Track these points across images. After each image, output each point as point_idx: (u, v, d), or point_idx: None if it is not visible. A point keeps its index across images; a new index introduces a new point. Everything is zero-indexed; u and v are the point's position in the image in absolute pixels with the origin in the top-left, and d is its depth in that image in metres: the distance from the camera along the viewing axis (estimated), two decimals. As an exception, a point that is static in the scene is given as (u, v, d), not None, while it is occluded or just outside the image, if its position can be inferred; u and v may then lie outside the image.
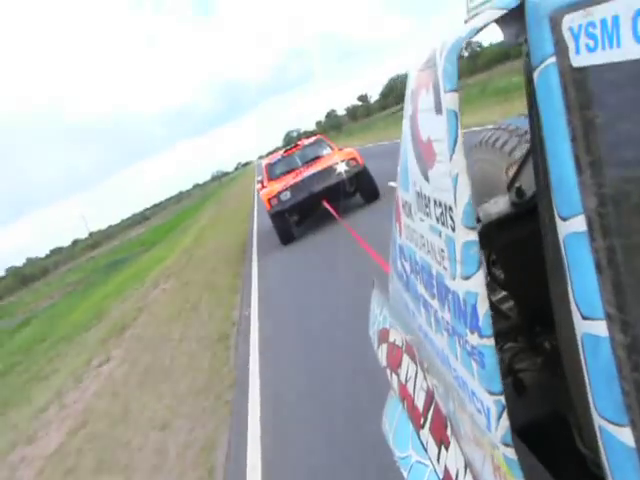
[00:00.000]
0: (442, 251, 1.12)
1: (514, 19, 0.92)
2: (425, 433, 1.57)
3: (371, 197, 11.74)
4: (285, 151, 13.55)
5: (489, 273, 1.77)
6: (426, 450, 1.58)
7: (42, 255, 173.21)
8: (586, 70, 0.78)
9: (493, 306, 2.02)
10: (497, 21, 0.98)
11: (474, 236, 0.98)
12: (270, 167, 13.33)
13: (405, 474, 1.71)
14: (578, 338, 0.79)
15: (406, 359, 1.70)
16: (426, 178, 1.18)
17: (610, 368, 0.74)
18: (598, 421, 0.78)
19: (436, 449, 1.49)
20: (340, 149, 12.94)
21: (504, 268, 1.69)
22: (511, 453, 0.92)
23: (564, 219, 0.82)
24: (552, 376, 1.62)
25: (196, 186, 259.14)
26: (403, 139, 1.41)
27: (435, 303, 1.27)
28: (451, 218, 1.04)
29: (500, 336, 2.03)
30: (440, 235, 1.12)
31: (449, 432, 1.38)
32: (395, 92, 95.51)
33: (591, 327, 0.77)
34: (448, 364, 1.24)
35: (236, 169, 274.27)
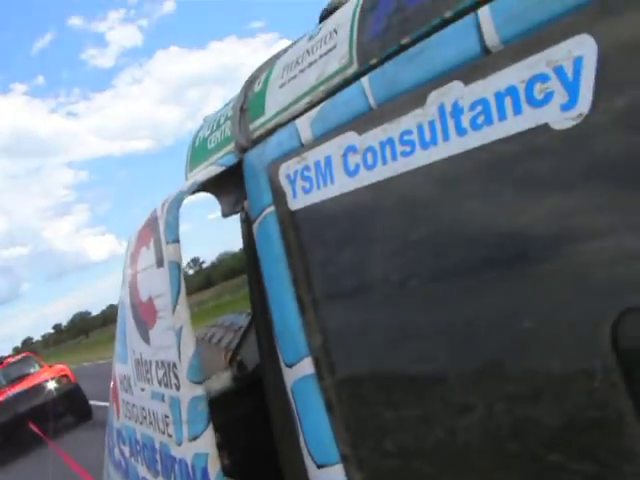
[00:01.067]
0: (166, 417, 1.01)
1: (232, 184, 0.96)
2: None
3: (83, 416, 10.84)
4: (-15, 371, 11.92)
5: None
6: None
7: None
8: (303, 211, 0.82)
9: None
10: (216, 194, 1.02)
11: (201, 391, 0.91)
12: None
13: None
14: None
15: None
16: (147, 340, 1.10)
17: None
18: None
19: None
20: (50, 366, 12.01)
21: (229, 450, 1.61)
22: None
23: (290, 366, 0.80)
24: None
25: None
26: (120, 312, 1.32)
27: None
28: (175, 376, 0.96)
29: None
30: (163, 399, 1.02)
31: None
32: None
33: (328, 474, 0.73)
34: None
35: None
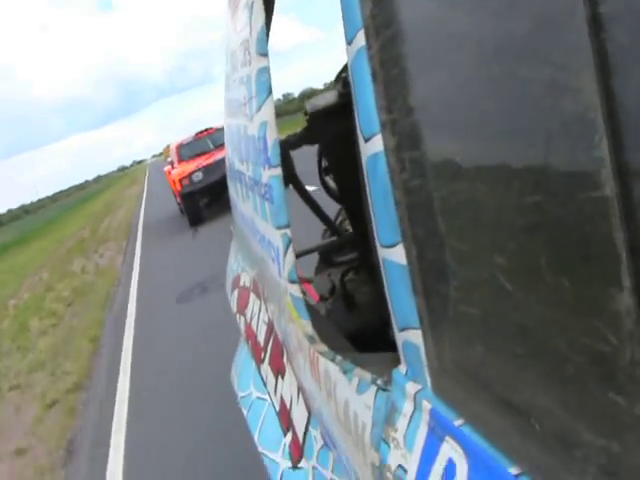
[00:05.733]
0: (244, 98, 1.06)
1: None
2: (265, 367, 1.56)
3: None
4: (196, 134, 13.25)
5: (322, 182, 1.73)
6: (265, 384, 1.58)
7: None
8: None
9: (330, 223, 1.98)
10: None
11: (266, 62, 0.93)
12: (181, 148, 12.99)
13: (245, 412, 1.71)
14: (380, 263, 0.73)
15: (252, 297, 1.68)
16: (234, 27, 1.13)
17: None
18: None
19: (274, 380, 1.49)
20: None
21: (333, 168, 1.64)
22: (296, 290, 0.88)
23: (367, 139, 0.70)
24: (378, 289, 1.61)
25: (98, 177, 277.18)
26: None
27: (244, 166, 1.20)
28: (248, 52, 0.99)
29: (336, 254, 2.02)
30: (244, 81, 1.07)
31: (285, 359, 1.36)
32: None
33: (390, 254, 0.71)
34: (256, 231, 1.18)
35: (131, 166, 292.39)
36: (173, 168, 12.60)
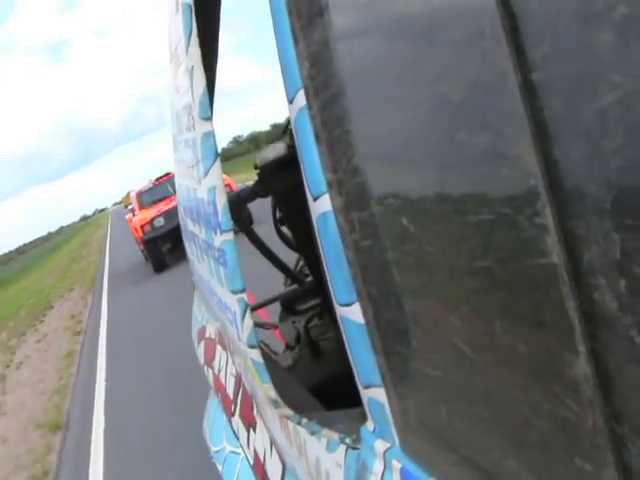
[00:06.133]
0: (192, 161, 1.06)
1: None
2: (236, 420, 1.54)
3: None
4: (156, 180, 13.22)
5: (278, 231, 1.73)
6: (238, 437, 1.56)
7: None
8: None
9: (290, 273, 1.98)
10: None
11: (210, 127, 0.92)
12: (141, 195, 12.96)
13: (220, 467, 1.68)
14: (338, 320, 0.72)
15: (219, 349, 1.66)
16: (177, 90, 1.12)
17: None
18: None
19: (245, 433, 1.46)
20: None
21: (287, 219, 1.65)
22: (256, 355, 0.87)
23: (315, 198, 0.69)
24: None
25: (61, 228, 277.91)
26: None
27: (196, 228, 1.18)
28: (192, 117, 0.99)
29: (298, 302, 2.02)
30: (189, 144, 1.06)
31: (255, 412, 1.34)
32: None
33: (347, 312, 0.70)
34: (213, 293, 1.16)
35: (94, 214, 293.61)
36: (134, 215, 12.51)
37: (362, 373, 0.69)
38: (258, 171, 1.41)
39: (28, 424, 5.88)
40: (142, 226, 11.30)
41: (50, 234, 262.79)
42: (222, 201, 0.90)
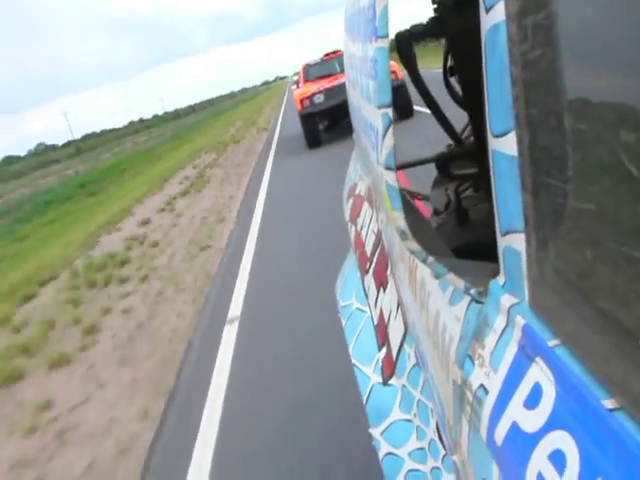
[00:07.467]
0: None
1: None
2: (369, 278, 1.54)
3: (404, 114, 11.09)
4: (325, 55, 13.14)
5: (447, 84, 1.62)
6: (367, 296, 1.56)
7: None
8: None
9: (449, 128, 1.84)
10: None
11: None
12: (308, 68, 13.03)
13: (344, 322, 1.70)
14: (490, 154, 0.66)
15: (365, 206, 1.64)
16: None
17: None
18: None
19: (375, 292, 1.46)
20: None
21: (459, 66, 1.50)
22: (392, 179, 0.79)
23: (488, 9, 0.63)
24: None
25: (243, 89, 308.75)
26: None
27: (355, 47, 1.17)
28: None
29: (455, 165, 1.87)
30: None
31: (389, 272, 1.33)
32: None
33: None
34: (363, 120, 1.15)
35: (274, 81, 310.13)
36: (298, 87, 12.72)
37: (504, 216, 0.64)
38: (435, 6, 1.29)
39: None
40: (302, 100, 11.46)
41: (233, 93, 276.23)
42: (382, 5, 0.84)
